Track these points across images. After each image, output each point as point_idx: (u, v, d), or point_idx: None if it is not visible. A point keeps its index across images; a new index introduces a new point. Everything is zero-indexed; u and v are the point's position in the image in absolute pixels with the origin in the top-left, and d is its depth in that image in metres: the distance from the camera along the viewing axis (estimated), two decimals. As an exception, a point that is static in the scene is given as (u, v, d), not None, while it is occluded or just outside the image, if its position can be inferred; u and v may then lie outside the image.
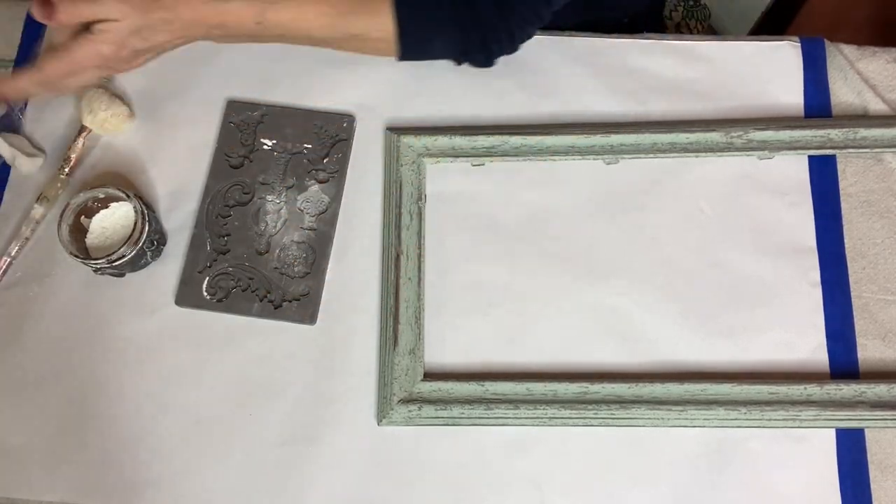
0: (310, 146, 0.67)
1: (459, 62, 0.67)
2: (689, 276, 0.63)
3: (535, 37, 0.67)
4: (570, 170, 0.66)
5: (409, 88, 0.69)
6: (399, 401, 0.59)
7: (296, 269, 0.64)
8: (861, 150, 0.65)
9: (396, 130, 0.67)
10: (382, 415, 0.59)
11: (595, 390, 0.59)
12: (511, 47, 0.65)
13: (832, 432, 0.59)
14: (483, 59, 0.66)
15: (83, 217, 0.62)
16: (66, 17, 0.53)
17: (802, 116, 0.68)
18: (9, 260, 0.64)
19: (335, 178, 0.66)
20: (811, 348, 0.61)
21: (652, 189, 0.66)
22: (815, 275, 0.63)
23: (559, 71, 0.69)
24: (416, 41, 0.61)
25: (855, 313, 0.62)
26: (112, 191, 0.61)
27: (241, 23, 0.56)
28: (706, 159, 0.66)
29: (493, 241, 0.65)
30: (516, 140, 0.66)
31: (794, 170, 0.66)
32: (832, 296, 0.63)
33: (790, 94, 0.69)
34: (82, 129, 0.66)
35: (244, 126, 0.68)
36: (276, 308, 0.63)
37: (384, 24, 0.59)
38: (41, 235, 0.66)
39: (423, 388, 0.60)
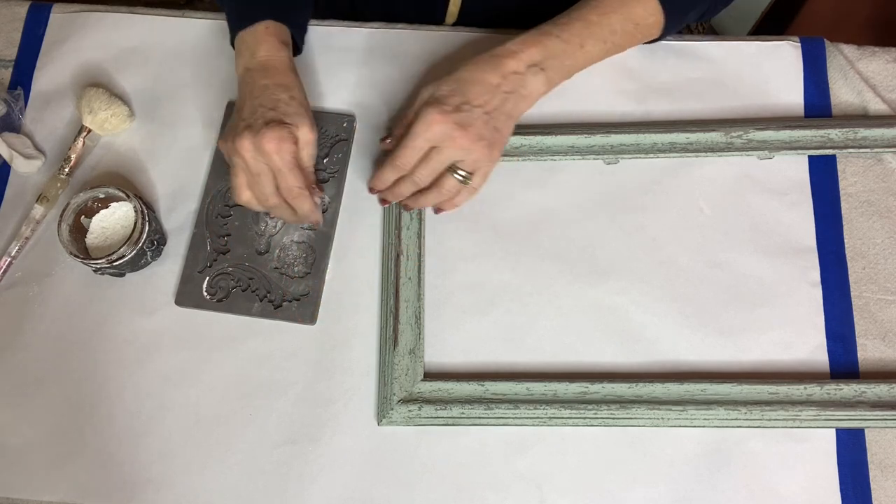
0: (310, 146, 0.67)
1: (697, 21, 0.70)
2: (689, 276, 0.63)
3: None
4: (570, 170, 0.66)
5: (408, 88, 0.69)
6: (399, 401, 0.59)
7: (296, 268, 0.64)
8: (861, 150, 0.65)
9: (396, 130, 0.67)
10: (382, 415, 0.59)
11: (595, 390, 0.59)
12: None
13: (832, 432, 0.59)
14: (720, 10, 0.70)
15: (83, 217, 0.62)
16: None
17: (802, 116, 0.68)
18: (9, 260, 0.64)
19: (335, 178, 0.66)
20: (811, 348, 0.61)
21: (652, 189, 0.66)
22: (815, 275, 0.63)
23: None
24: (679, 16, 0.65)
25: (855, 313, 0.62)
26: (112, 191, 0.61)
27: (596, 58, 0.64)
28: (706, 159, 0.66)
29: (493, 240, 0.65)
30: (516, 140, 0.66)
31: (794, 170, 0.66)
32: (832, 296, 0.62)
33: (790, 93, 0.69)
34: (82, 129, 0.66)
35: (244, 126, 0.68)
36: (276, 308, 0.63)
37: (654, 9, 0.63)
38: (41, 235, 0.66)
39: (423, 388, 0.60)
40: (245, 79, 0.60)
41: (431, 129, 0.56)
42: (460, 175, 0.58)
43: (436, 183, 0.59)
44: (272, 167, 0.57)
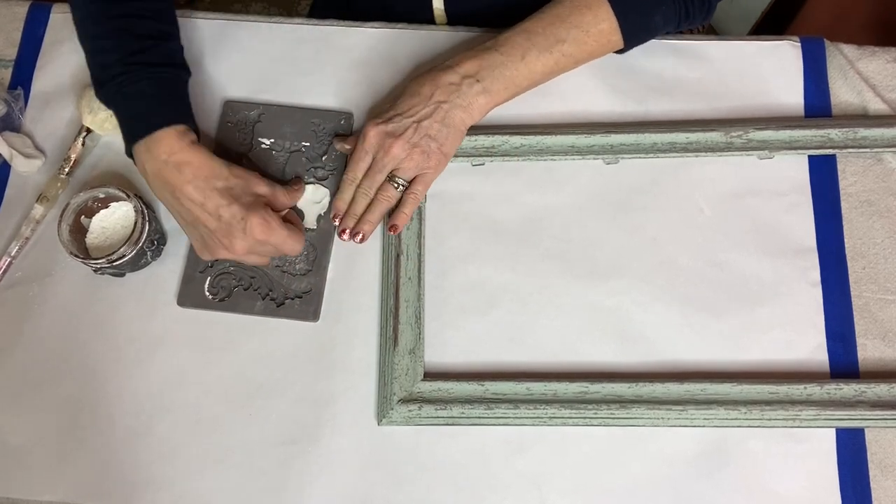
0: (308, 144, 0.67)
1: (681, 30, 0.69)
2: (689, 276, 0.63)
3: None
4: (570, 170, 0.66)
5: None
6: (399, 401, 0.59)
7: (297, 266, 0.64)
8: (861, 150, 0.65)
9: (396, 130, 0.67)
10: (382, 415, 0.59)
11: (595, 390, 0.59)
12: None
13: (832, 432, 0.59)
14: (705, 16, 0.68)
15: (83, 217, 0.62)
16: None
17: (802, 116, 0.68)
18: (9, 260, 0.64)
19: (334, 175, 0.66)
20: (811, 348, 0.61)
21: (652, 189, 0.66)
22: (815, 275, 0.63)
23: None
24: (636, 18, 0.64)
25: (855, 313, 0.62)
26: (112, 191, 0.61)
27: (545, 69, 0.64)
28: (706, 159, 0.66)
29: (493, 241, 0.65)
30: (516, 140, 0.66)
31: (794, 170, 0.66)
32: (832, 296, 0.63)
33: (790, 93, 0.69)
34: (82, 128, 0.66)
35: (242, 125, 0.68)
36: (278, 306, 0.62)
37: (606, 14, 0.63)
38: (41, 235, 0.66)
39: (423, 388, 0.60)
40: (163, 180, 0.58)
41: (367, 140, 0.62)
42: (396, 183, 0.62)
43: (379, 193, 0.63)
44: (274, 246, 0.59)
